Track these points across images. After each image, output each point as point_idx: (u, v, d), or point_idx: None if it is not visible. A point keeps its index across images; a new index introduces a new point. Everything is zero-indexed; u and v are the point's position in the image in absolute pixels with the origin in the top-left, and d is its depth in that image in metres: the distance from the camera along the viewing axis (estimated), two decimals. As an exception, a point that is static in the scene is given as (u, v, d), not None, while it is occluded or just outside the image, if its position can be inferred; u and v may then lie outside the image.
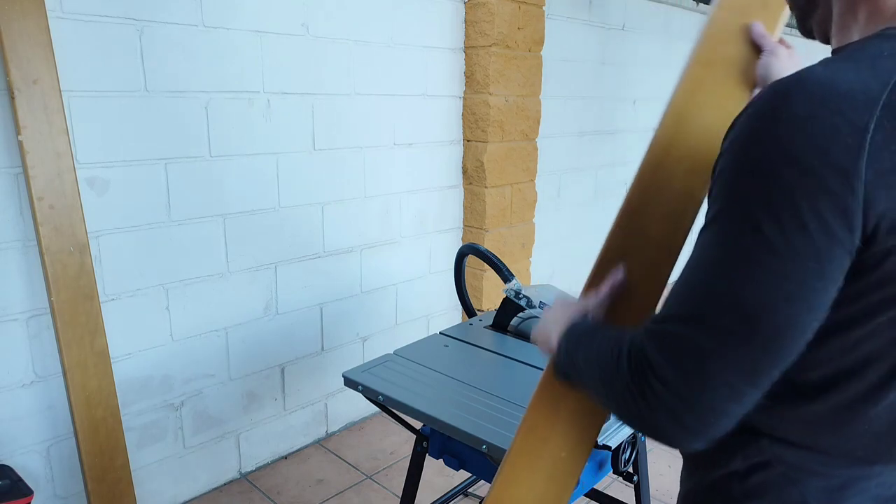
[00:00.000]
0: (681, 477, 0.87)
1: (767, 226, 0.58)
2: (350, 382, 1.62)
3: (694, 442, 0.66)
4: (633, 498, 1.75)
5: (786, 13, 0.93)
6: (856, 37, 0.69)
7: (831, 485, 0.71)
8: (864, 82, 0.57)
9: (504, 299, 1.93)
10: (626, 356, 0.69)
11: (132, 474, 2.04)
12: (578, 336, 0.85)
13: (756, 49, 0.91)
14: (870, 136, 0.55)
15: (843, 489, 0.71)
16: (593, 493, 1.89)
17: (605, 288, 0.92)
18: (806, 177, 0.56)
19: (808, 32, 0.80)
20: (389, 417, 1.66)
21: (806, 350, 0.63)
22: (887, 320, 0.62)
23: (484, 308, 3.06)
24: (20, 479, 1.76)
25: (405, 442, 2.75)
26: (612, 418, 1.40)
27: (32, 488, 1.74)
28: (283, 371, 2.58)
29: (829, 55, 0.67)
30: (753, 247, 0.59)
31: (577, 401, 0.97)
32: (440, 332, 1.93)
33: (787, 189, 0.57)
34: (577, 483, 0.99)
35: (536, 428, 1.00)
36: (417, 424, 1.64)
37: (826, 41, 0.76)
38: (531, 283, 3.41)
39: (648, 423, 0.68)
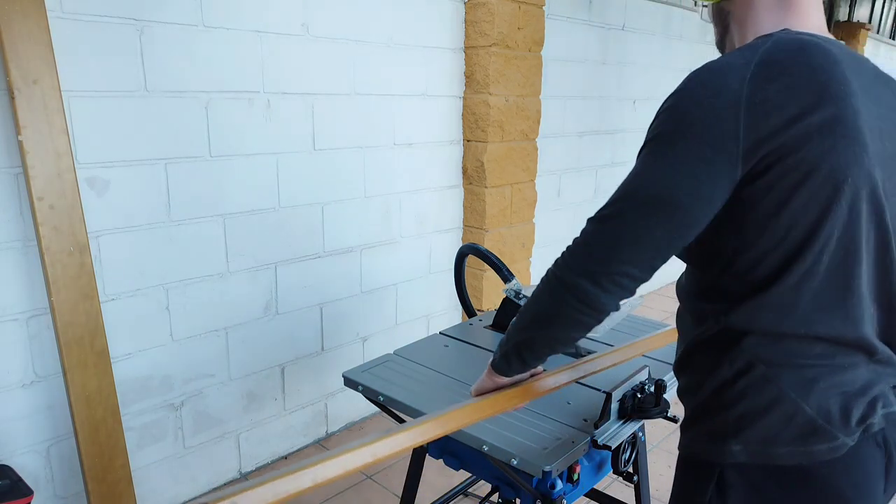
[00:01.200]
0: (684, 404, 1.03)
1: (677, 141, 0.86)
2: (350, 382, 1.62)
3: (605, 297, 0.90)
4: (633, 498, 1.75)
5: None
6: None
7: (805, 377, 0.88)
8: (740, 58, 0.86)
9: (504, 299, 1.93)
10: (555, 260, 0.96)
11: (132, 474, 2.04)
12: (507, 332, 1.08)
13: None
14: (747, 84, 0.83)
15: (815, 381, 0.88)
16: (593, 493, 1.89)
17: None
18: (706, 111, 0.84)
19: None
20: (389, 417, 1.66)
21: (753, 244, 0.88)
22: (800, 207, 0.84)
23: (484, 308, 3.06)
24: (20, 479, 1.76)
25: (405, 442, 2.74)
26: (612, 418, 1.40)
27: (32, 488, 1.74)
28: (283, 371, 2.58)
29: None
30: (665, 153, 0.87)
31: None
32: (440, 332, 1.93)
33: (693, 119, 0.85)
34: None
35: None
36: (417, 424, 1.63)
37: None
38: (531, 283, 3.41)
39: (573, 290, 0.92)
